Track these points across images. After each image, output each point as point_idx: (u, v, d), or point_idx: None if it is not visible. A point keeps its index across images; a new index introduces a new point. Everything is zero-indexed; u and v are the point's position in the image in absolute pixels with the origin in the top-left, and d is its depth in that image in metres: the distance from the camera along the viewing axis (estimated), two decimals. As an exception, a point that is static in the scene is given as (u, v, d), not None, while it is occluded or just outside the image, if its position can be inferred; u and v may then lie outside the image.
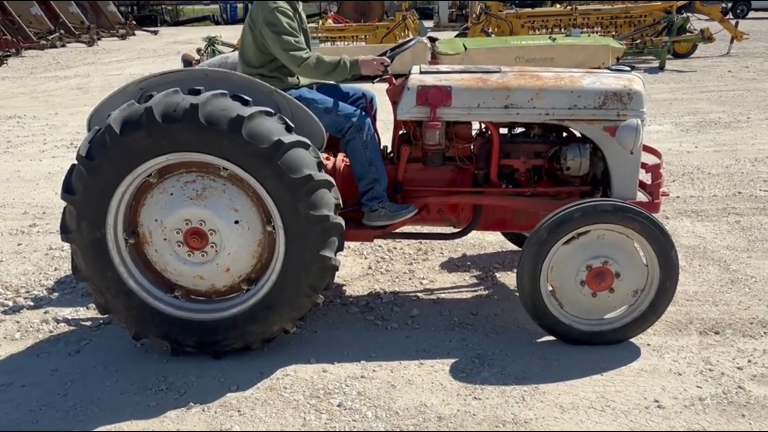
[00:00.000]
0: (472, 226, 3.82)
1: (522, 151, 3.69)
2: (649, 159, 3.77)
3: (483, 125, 3.73)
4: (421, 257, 4.61)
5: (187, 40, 24.05)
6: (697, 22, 16.88)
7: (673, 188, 5.94)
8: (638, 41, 15.59)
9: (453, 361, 3.27)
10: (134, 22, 31.51)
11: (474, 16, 17.36)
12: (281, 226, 3.09)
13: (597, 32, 16.68)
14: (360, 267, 4.46)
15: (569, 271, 3.29)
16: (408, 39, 4.10)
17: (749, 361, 3.21)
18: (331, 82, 3.84)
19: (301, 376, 3.18)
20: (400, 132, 3.78)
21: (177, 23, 38.34)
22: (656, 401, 2.91)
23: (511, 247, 4.64)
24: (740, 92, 11.20)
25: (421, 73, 3.62)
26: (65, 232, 3.15)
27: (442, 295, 4.02)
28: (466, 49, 14.47)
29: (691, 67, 14.57)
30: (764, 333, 3.47)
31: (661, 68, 14.30)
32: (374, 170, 3.55)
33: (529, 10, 19.70)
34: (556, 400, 2.95)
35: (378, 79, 3.75)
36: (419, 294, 4.04)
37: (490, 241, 4.83)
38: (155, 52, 21.68)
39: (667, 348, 3.35)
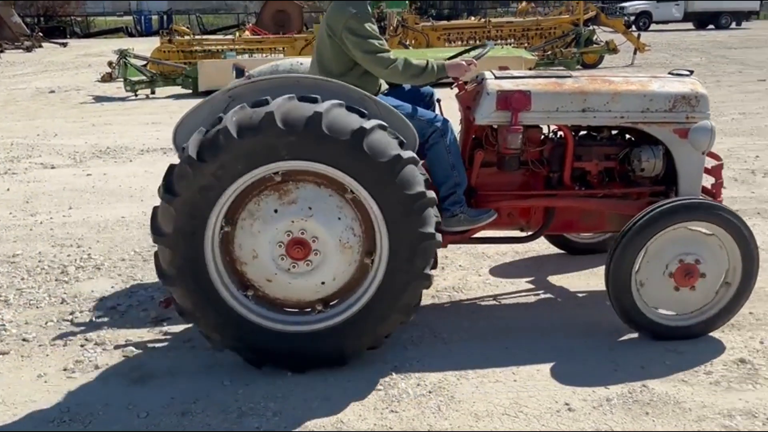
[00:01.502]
0: (545, 228, 3.88)
1: (594, 153, 3.79)
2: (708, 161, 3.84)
3: (553, 129, 3.82)
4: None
5: (99, 52, 23.27)
6: (603, 34, 17.72)
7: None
8: (549, 52, 16.21)
9: (370, 374, 3.26)
10: (41, 34, 30.18)
11: (391, 28, 17.55)
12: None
13: (510, 44, 17.22)
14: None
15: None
16: (483, 44, 4.12)
17: (652, 360, 3.34)
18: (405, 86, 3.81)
19: (215, 399, 3.09)
20: (473, 137, 3.79)
21: (88, 35, 36.95)
22: (566, 404, 2.99)
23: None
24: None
25: (497, 78, 3.65)
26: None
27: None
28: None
29: (598, 77, 15.21)
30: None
31: (571, 79, 14.90)
32: (456, 174, 3.51)
33: (444, 22, 20.15)
34: (471, 409, 2.98)
35: (455, 84, 3.78)
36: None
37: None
38: (64, 65, 20.83)
39: (577, 350, 3.45)
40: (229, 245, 3.15)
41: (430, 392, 3.11)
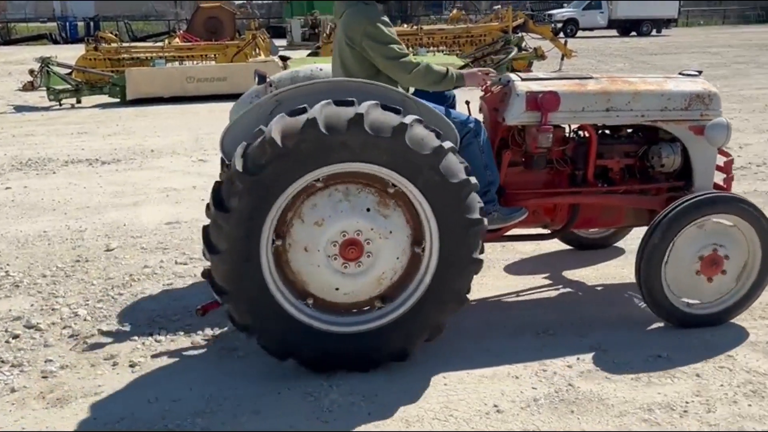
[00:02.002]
0: (570, 224, 4.03)
1: (615, 151, 3.96)
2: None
3: (574, 128, 3.97)
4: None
5: (20, 60, 22.33)
6: (531, 41, 18.16)
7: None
8: (480, 59, 16.50)
9: (301, 385, 3.23)
10: (-43, 41, 28.80)
11: (325, 35, 17.54)
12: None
13: (442, 51, 17.47)
14: (208, 296, 4.29)
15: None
16: (506, 47, 4.14)
17: (578, 358, 3.44)
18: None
19: (140, 417, 3.00)
20: (500, 137, 3.87)
21: (9, 42, 35.37)
22: (495, 406, 3.04)
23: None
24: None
25: (523, 80, 3.78)
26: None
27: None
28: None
29: (528, 83, 15.60)
30: (590, 332, 3.73)
31: (501, 84, 15.21)
32: (490, 173, 3.58)
33: (378, 29, 20.19)
34: (402, 415, 3.00)
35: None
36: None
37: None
38: (-19, 74, 19.92)
39: (506, 352, 3.51)
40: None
41: (361, 400, 3.10)
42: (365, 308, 3.33)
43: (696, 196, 3.58)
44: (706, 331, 3.66)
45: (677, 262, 3.59)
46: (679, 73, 4.13)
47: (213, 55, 16.58)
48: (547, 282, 4.43)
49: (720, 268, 3.61)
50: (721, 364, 3.36)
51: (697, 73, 4.08)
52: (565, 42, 18.41)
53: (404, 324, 3.25)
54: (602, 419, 2.95)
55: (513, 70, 17.66)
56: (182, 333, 3.78)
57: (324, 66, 4.18)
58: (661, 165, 3.92)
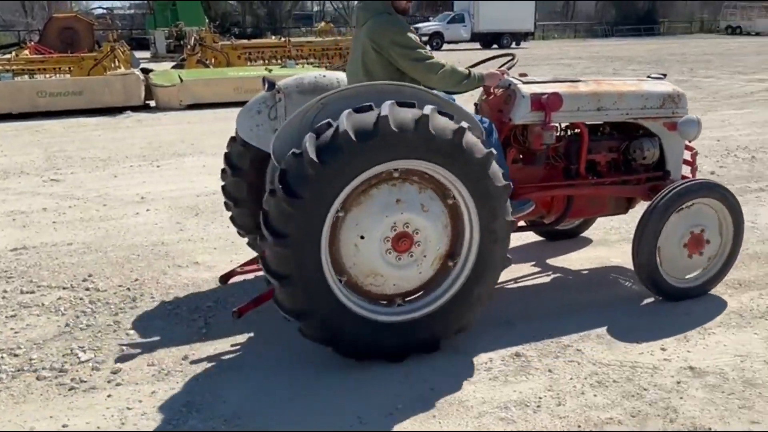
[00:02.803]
0: (565, 215, 4.38)
1: (602, 146, 4.39)
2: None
3: (563, 126, 4.37)
4: (128, 305, 4.30)
5: None
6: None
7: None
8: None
9: (158, 414, 3.08)
10: None
11: (190, 47, 17.05)
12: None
13: (312, 63, 17.49)
14: (55, 326, 4.01)
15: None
16: (508, 54, 4.45)
17: (440, 362, 3.51)
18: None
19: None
20: (504, 136, 4.11)
21: None
22: (359, 417, 3.04)
23: (209, 286, 4.52)
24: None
25: (524, 83, 4.13)
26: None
27: (152, 344, 3.79)
28: (182, 80, 14.17)
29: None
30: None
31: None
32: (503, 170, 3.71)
33: (245, 41, 19.98)
34: (264, 434, 2.93)
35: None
36: (124, 347, 3.76)
37: (204, 278, 4.70)
38: None
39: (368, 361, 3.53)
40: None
41: (222, 425, 3.00)
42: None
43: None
44: (557, 329, 3.87)
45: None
46: (647, 77, 4.64)
47: (68, 68, 15.64)
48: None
49: (703, 245, 4.15)
50: (571, 358, 3.57)
51: (662, 76, 4.62)
52: (431, 54, 19.03)
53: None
54: (462, 421, 3.02)
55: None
56: (27, 368, 3.50)
57: (328, 73, 4.41)
58: (642, 158, 4.41)
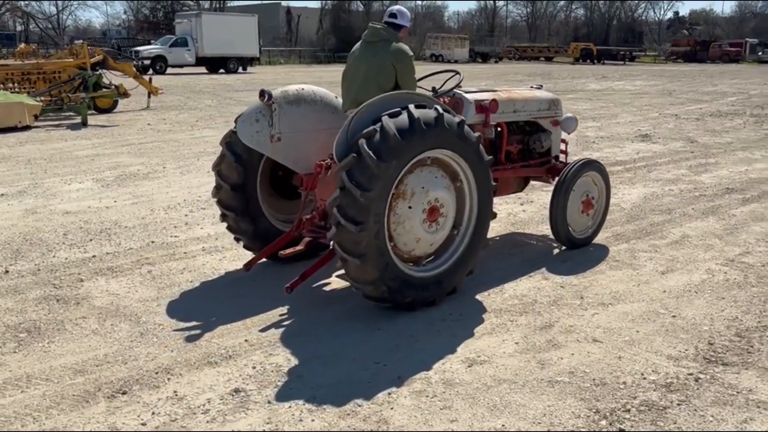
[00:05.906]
0: (495, 194, 5.03)
1: (514, 139, 5.85)
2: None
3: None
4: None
5: None
6: (117, 79, 17.43)
7: (90, 247, 5.84)
8: (56, 98, 15.17)
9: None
10: None
11: None
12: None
13: (11, 89, 15.61)
14: None
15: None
16: (455, 71, 5.57)
17: (153, 413, 3.27)
18: None
19: None
20: None
21: None
22: None
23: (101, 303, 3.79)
24: (158, 143, 11.97)
25: (466, 93, 5.36)
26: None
27: None
28: None
29: (114, 122, 14.93)
30: (169, 379, 3.60)
31: (84, 124, 14.21)
32: None
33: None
34: None
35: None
36: None
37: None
38: None
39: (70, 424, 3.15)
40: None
41: None
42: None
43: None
44: (278, 357, 3.84)
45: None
46: (530, 87, 6.16)
47: None
48: (126, 334, 4.16)
49: (592, 207, 5.89)
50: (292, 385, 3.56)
51: (540, 86, 6.21)
52: (150, 79, 18.16)
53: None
54: (176, 473, 2.82)
55: (96, 109, 16.76)
56: None
57: (306, 86, 5.23)
58: (541, 147, 5.95)
